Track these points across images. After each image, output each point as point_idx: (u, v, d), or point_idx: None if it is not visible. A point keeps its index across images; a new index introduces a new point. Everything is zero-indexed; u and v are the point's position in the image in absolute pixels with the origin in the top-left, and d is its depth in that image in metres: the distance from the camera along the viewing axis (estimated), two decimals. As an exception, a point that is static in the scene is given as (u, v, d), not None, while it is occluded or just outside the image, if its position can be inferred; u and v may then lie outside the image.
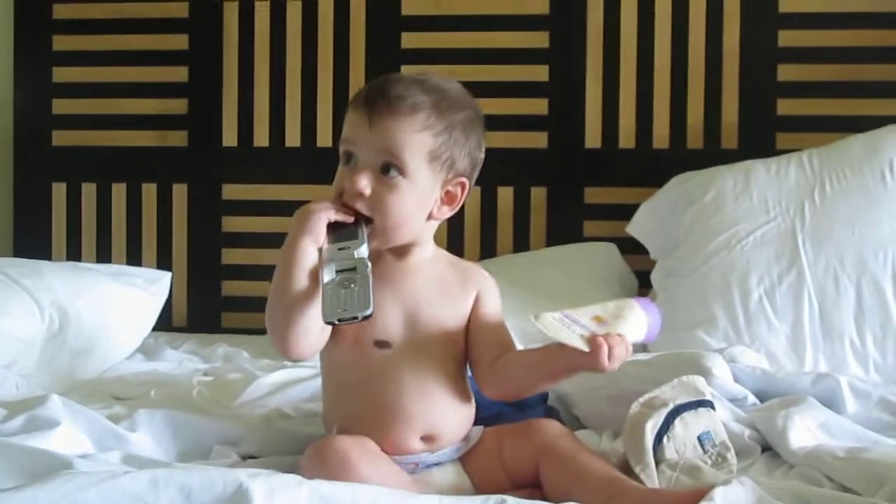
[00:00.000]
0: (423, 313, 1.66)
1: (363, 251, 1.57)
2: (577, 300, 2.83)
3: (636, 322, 1.59)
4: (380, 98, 1.62)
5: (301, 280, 1.58)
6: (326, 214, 1.59)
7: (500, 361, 1.67)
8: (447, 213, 1.70)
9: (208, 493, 1.32)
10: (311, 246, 1.59)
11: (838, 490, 1.54)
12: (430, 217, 1.68)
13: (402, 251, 1.69)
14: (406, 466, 1.61)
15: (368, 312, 1.51)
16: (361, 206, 1.61)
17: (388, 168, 1.61)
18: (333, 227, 1.60)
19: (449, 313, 1.69)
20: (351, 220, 1.60)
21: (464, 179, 1.68)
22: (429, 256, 1.72)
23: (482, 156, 1.72)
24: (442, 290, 1.70)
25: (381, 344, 1.64)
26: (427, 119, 1.62)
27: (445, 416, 1.65)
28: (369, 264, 1.56)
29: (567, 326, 1.56)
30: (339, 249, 1.57)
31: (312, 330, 1.58)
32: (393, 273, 1.67)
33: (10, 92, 3.48)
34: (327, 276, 1.55)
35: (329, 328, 1.59)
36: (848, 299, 2.57)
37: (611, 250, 3.14)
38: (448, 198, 1.68)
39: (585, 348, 1.52)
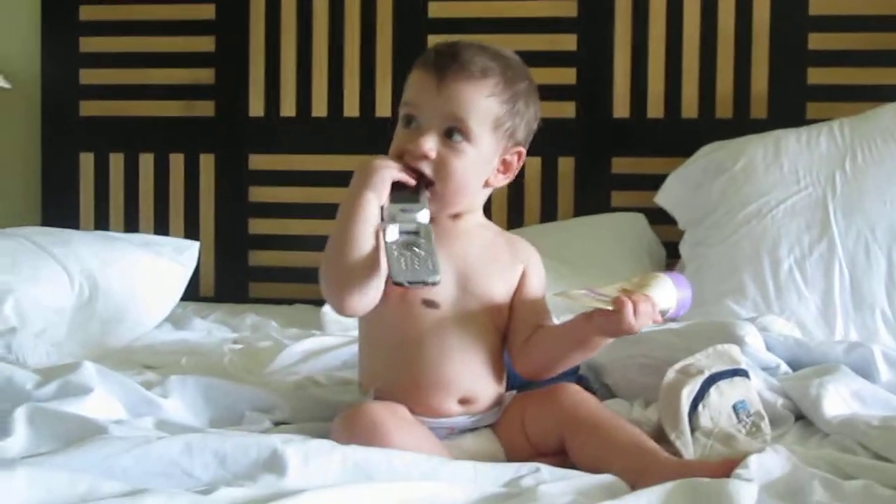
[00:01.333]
0: (474, 278, 1.66)
1: (425, 216, 1.57)
2: (605, 271, 2.86)
3: (664, 291, 1.59)
4: (451, 61, 1.62)
5: (364, 235, 1.56)
6: (391, 172, 1.59)
7: (534, 336, 1.68)
8: (503, 181, 1.72)
9: (243, 459, 1.33)
10: (375, 202, 1.58)
11: (873, 458, 1.53)
12: (486, 184, 1.69)
13: (454, 216, 1.70)
14: (440, 431, 1.62)
15: (438, 279, 1.52)
16: (426, 168, 1.62)
17: (453, 132, 1.62)
18: (394, 188, 1.59)
19: (498, 282, 1.69)
20: (413, 182, 1.60)
21: (521, 149, 1.70)
22: (478, 223, 1.73)
23: (536, 128, 1.73)
24: (492, 257, 1.70)
25: (430, 303, 1.63)
26: (496, 86, 1.63)
27: (483, 380, 1.66)
28: (432, 230, 1.56)
29: (591, 297, 1.56)
30: (401, 210, 1.56)
31: (371, 286, 1.57)
32: (445, 235, 1.66)
33: (37, 63, 3.49)
34: (391, 235, 1.54)
35: (382, 287, 1.58)
36: (879, 269, 2.56)
37: (639, 220, 3.13)
38: (504, 166, 1.70)
39: (610, 307, 1.53)
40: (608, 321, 1.55)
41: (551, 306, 2.44)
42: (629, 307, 1.52)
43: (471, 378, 1.64)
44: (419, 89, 1.64)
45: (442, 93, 1.61)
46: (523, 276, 1.72)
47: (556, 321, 1.76)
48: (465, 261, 1.66)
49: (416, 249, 1.53)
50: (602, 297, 1.55)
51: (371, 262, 1.56)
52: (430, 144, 1.61)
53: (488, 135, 1.64)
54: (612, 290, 1.57)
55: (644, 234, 3.11)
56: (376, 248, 1.56)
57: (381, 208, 1.58)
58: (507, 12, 3.28)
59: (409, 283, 1.51)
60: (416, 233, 1.55)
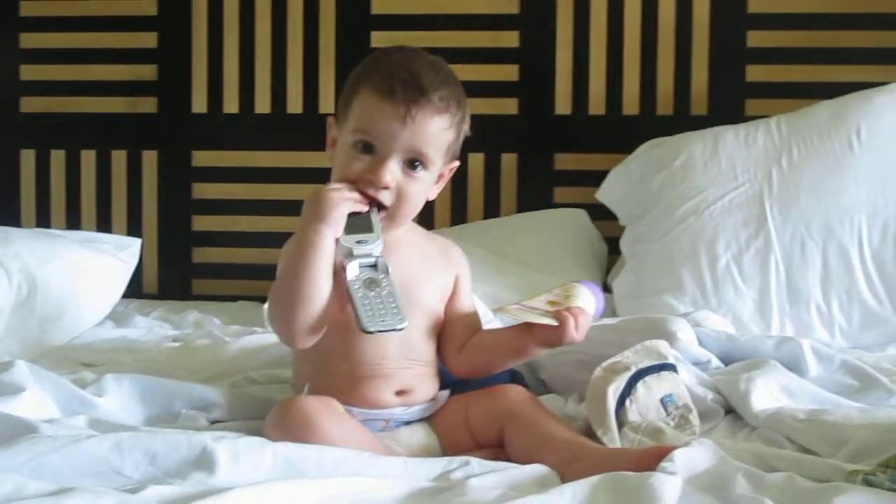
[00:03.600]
0: (413, 288, 1.69)
1: (380, 246, 1.58)
2: (548, 266, 2.88)
3: (586, 302, 1.65)
4: (419, 94, 1.62)
5: (322, 274, 1.57)
6: (347, 205, 1.59)
7: (469, 344, 1.73)
8: (436, 192, 1.75)
9: (173, 457, 1.33)
10: (331, 237, 1.58)
11: (799, 451, 1.56)
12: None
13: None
14: (376, 424, 1.63)
15: (405, 324, 1.54)
16: (385, 198, 1.63)
17: (415, 163, 1.64)
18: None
19: (435, 290, 1.74)
20: (366, 209, 1.60)
21: (457, 163, 1.74)
22: (406, 229, 1.75)
23: None
24: (429, 267, 1.75)
25: None
26: (453, 116, 1.66)
27: (421, 374, 1.69)
28: (387, 264, 1.57)
29: (530, 311, 1.63)
30: (357, 242, 1.57)
31: (323, 320, 1.59)
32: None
33: (-23, 58, 3.46)
34: (351, 272, 1.55)
35: (328, 316, 1.59)
36: (814, 265, 2.59)
37: (581, 216, 3.15)
38: (439, 178, 1.73)
39: (554, 322, 1.59)
40: (551, 335, 1.61)
41: (494, 297, 2.48)
42: (571, 322, 1.58)
43: (410, 374, 1.67)
44: (382, 120, 1.62)
45: (409, 126, 1.61)
46: (456, 283, 1.77)
47: (487, 312, 1.78)
48: (404, 272, 1.67)
49: (378, 289, 1.54)
50: (543, 312, 1.61)
51: (325, 297, 1.58)
52: (390, 176, 1.62)
53: (440, 160, 1.68)
54: (541, 302, 1.65)
55: (586, 230, 3.14)
56: (331, 285, 1.58)
57: (336, 240, 1.59)
58: (450, 9, 3.29)
59: (379, 331, 1.53)
60: (374, 266, 1.57)
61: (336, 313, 1.63)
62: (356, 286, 1.54)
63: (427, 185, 1.68)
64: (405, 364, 1.67)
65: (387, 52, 1.72)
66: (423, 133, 1.62)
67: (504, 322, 1.66)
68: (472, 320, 1.78)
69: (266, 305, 1.69)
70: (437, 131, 1.64)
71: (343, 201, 1.59)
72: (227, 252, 3.38)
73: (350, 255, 1.56)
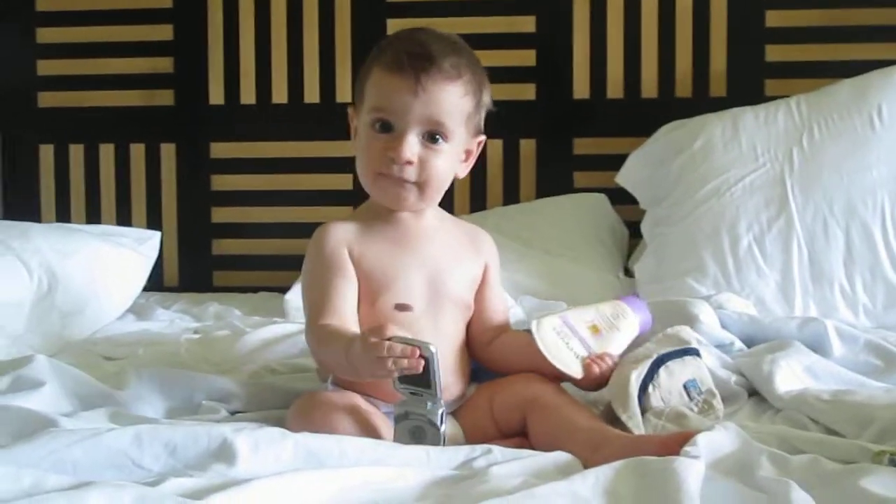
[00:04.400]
0: (443, 279, 1.68)
1: (437, 413, 1.50)
2: (569, 251, 2.87)
3: (629, 330, 1.69)
4: (426, 63, 1.60)
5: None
6: (397, 370, 1.45)
7: (497, 345, 1.73)
8: (465, 170, 1.73)
9: (193, 448, 1.32)
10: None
11: (824, 433, 1.55)
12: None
13: (417, 210, 1.71)
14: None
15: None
16: (411, 174, 1.61)
17: (435, 135, 1.62)
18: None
19: (465, 280, 1.72)
20: (420, 368, 1.45)
21: (483, 137, 1.72)
22: (436, 215, 1.74)
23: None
24: (458, 255, 1.73)
25: (403, 307, 1.65)
26: (468, 83, 1.64)
27: (452, 374, 1.67)
28: (442, 426, 1.50)
29: (564, 340, 1.65)
30: (411, 394, 1.50)
31: None
32: (411, 235, 1.69)
33: (-7, 54, 3.47)
34: (398, 415, 1.51)
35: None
36: (837, 244, 2.57)
37: (601, 201, 3.14)
38: (467, 155, 1.71)
39: (578, 377, 1.63)
40: (574, 380, 1.64)
41: (514, 283, 2.47)
42: (596, 376, 1.63)
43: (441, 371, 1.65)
44: (394, 94, 1.61)
45: (421, 97, 1.59)
46: (486, 272, 1.75)
47: (510, 301, 1.75)
48: (434, 263, 1.68)
49: (423, 440, 1.49)
50: (573, 346, 1.65)
51: None
52: (412, 150, 1.60)
53: (461, 131, 1.65)
54: (583, 324, 1.68)
55: (606, 214, 3.12)
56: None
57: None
58: (467, -5, 3.28)
59: None
60: (426, 423, 1.51)
61: (364, 310, 1.62)
62: (400, 431, 1.51)
63: (452, 160, 1.65)
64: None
65: (397, 34, 1.71)
66: (436, 102, 1.60)
67: (536, 339, 1.64)
68: (501, 311, 1.77)
69: (305, 330, 1.67)
70: (452, 99, 1.61)
71: (394, 373, 1.46)
72: (247, 243, 3.38)
73: (401, 405, 1.51)
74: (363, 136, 1.66)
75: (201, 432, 1.35)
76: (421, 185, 1.63)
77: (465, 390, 1.71)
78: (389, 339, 1.44)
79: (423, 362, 1.44)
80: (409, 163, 1.60)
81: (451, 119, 1.62)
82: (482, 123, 1.71)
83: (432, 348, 1.46)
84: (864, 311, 2.52)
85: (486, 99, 1.69)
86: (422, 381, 1.48)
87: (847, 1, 3.14)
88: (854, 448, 1.40)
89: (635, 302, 1.73)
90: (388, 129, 1.62)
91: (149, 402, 1.72)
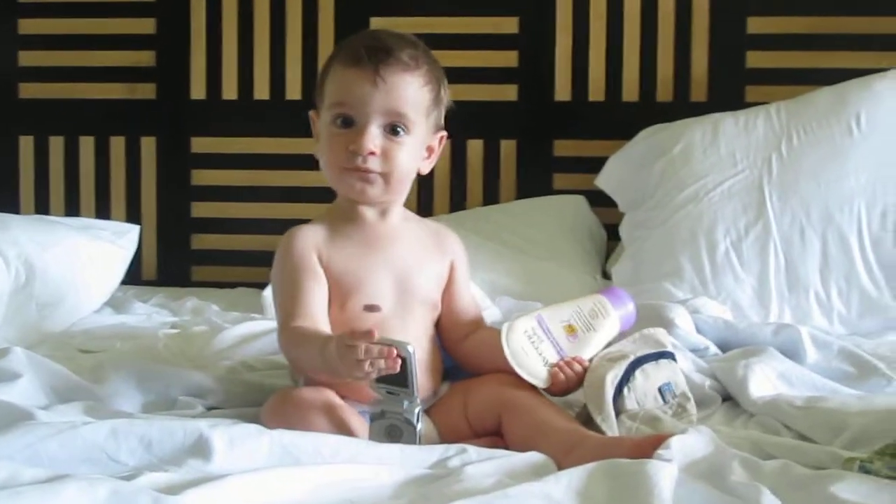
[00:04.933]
0: (411, 279, 1.70)
1: (414, 412, 1.50)
2: (547, 253, 2.87)
3: (608, 330, 1.70)
4: (384, 54, 1.62)
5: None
6: (375, 371, 1.46)
7: (470, 342, 1.75)
8: (428, 167, 1.75)
9: (168, 443, 1.33)
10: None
11: (796, 438, 1.56)
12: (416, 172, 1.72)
13: (383, 209, 1.72)
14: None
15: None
16: (375, 165, 1.62)
17: (395, 127, 1.63)
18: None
19: (432, 279, 1.74)
20: (398, 368, 1.46)
21: (444, 133, 1.73)
22: (402, 215, 1.76)
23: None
24: (425, 255, 1.74)
25: (371, 308, 1.67)
26: (427, 74, 1.66)
27: (422, 372, 1.66)
28: (418, 425, 1.51)
29: (535, 344, 1.66)
30: (388, 393, 1.50)
31: None
32: (378, 236, 1.71)
33: (-26, 44, 3.45)
34: (374, 413, 1.52)
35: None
36: (813, 251, 2.58)
37: (580, 203, 3.15)
38: (429, 151, 1.73)
39: (543, 385, 1.64)
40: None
41: (492, 283, 2.48)
42: (561, 384, 1.63)
43: None
44: (353, 86, 1.63)
45: (381, 87, 1.61)
46: (452, 270, 1.77)
47: (487, 302, 1.76)
48: (401, 263, 1.70)
49: (400, 437, 1.50)
50: (543, 351, 1.65)
51: None
52: (374, 142, 1.62)
53: (423, 123, 1.67)
54: (560, 323, 1.68)
55: (585, 217, 3.13)
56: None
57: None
58: (450, -6, 3.29)
59: None
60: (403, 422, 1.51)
61: (334, 312, 1.64)
62: (376, 430, 1.51)
63: (414, 153, 1.67)
64: None
65: (353, 35, 1.72)
66: (396, 92, 1.62)
67: (504, 345, 1.65)
68: (472, 309, 1.79)
69: (277, 333, 1.69)
70: (412, 90, 1.63)
71: (371, 375, 1.46)
72: (226, 238, 3.37)
73: (377, 404, 1.52)
74: (325, 134, 1.68)
75: (177, 427, 1.35)
76: (385, 177, 1.65)
77: (438, 388, 1.72)
78: (367, 341, 1.44)
79: (399, 362, 1.45)
80: (373, 153, 1.62)
81: (411, 110, 1.64)
82: (442, 120, 1.73)
83: (410, 348, 1.47)
84: (838, 318, 2.53)
85: (445, 95, 1.71)
86: (398, 380, 1.49)
87: (828, 9, 3.16)
88: (825, 454, 1.42)
89: (618, 295, 1.73)
90: (350, 123, 1.64)
91: (125, 396, 1.72)
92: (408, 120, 1.64)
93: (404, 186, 1.69)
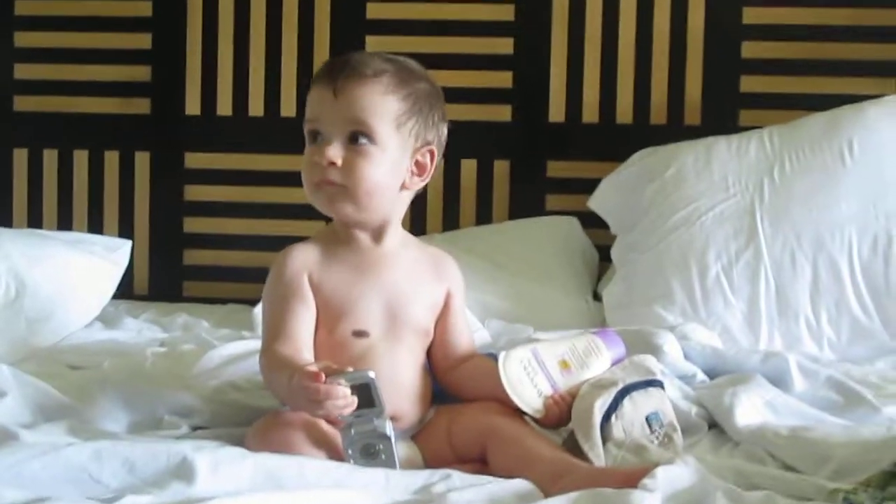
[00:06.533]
0: (402, 305, 1.69)
1: (385, 425, 1.52)
2: (539, 274, 2.88)
3: (600, 369, 1.70)
4: (343, 67, 1.64)
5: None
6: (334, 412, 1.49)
7: (460, 371, 1.74)
8: (419, 183, 1.73)
9: (152, 466, 1.33)
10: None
11: (781, 468, 1.56)
12: (402, 187, 1.70)
13: (376, 233, 1.71)
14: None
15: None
16: (335, 176, 1.62)
17: (357, 136, 1.63)
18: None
19: (425, 306, 1.73)
20: (354, 405, 1.49)
21: (432, 148, 1.71)
22: (399, 240, 1.74)
23: (446, 130, 1.75)
24: (418, 281, 1.73)
25: (360, 333, 1.66)
26: (390, 84, 1.65)
27: (409, 401, 1.67)
28: (392, 436, 1.52)
29: (530, 375, 1.66)
30: (356, 416, 1.51)
31: None
32: (371, 261, 1.70)
33: (-29, 56, 3.46)
34: (347, 443, 1.52)
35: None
36: (804, 277, 2.58)
37: (573, 224, 3.15)
38: (419, 168, 1.71)
39: (538, 415, 1.64)
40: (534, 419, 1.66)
41: (484, 304, 2.48)
42: (554, 418, 1.64)
43: (398, 398, 1.64)
44: (317, 102, 1.66)
45: (339, 99, 1.63)
46: (448, 297, 1.76)
47: (477, 324, 1.75)
48: (394, 289, 1.69)
49: (377, 456, 1.51)
50: (538, 383, 1.65)
51: None
52: (333, 152, 1.62)
53: (393, 134, 1.65)
54: (554, 358, 1.68)
55: (577, 238, 3.13)
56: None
57: None
58: (445, 14, 3.28)
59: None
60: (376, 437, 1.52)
61: (322, 336, 1.64)
62: (351, 452, 1.51)
63: (384, 165, 1.64)
64: (394, 386, 1.62)
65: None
66: (354, 101, 1.62)
67: (501, 373, 1.65)
68: (465, 338, 1.78)
69: (259, 352, 1.69)
70: (370, 98, 1.63)
71: (324, 410, 1.49)
72: (219, 254, 3.37)
73: (348, 429, 1.51)
74: (305, 151, 1.69)
75: (161, 450, 1.35)
76: (350, 190, 1.64)
77: (425, 415, 1.71)
78: (325, 380, 1.47)
79: (355, 401, 1.48)
80: (332, 163, 1.62)
81: (371, 118, 1.63)
82: (431, 135, 1.71)
83: (370, 374, 1.50)
84: (828, 345, 2.53)
85: (429, 109, 1.69)
86: (363, 402, 1.50)
87: (823, 35, 3.16)
88: (810, 485, 1.42)
89: (611, 337, 1.74)
90: (319, 137, 1.66)
91: (112, 415, 1.72)
92: (368, 128, 1.63)
93: (376, 202, 1.66)
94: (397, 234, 1.74)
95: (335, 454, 1.52)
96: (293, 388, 1.49)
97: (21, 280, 2.42)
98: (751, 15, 3.18)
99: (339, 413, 1.48)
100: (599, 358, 1.71)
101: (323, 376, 1.47)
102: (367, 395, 1.49)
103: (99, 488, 1.30)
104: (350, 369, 1.51)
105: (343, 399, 1.47)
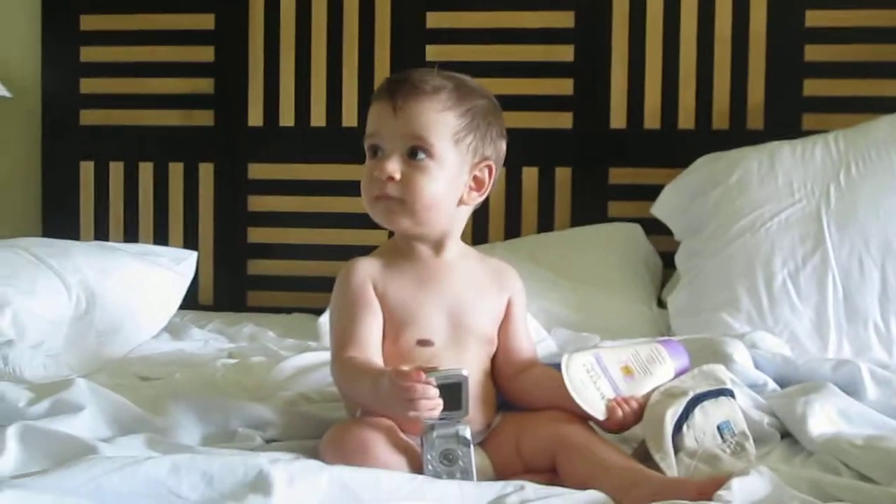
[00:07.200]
0: (465, 314, 1.71)
1: (467, 430, 1.53)
2: (602, 281, 2.87)
3: (662, 377, 1.70)
4: (402, 83, 1.67)
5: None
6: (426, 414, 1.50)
7: (522, 378, 1.75)
8: (476, 198, 1.74)
9: (229, 479, 1.33)
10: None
11: (856, 478, 1.54)
12: (460, 202, 1.72)
13: (437, 245, 1.74)
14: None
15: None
16: (394, 191, 1.64)
17: (416, 151, 1.65)
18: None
19: (487, 315, 1.75)
20: (440, 409, 1.50)
21: (490, 163, 1.73)
22: (460, 252, 1.77)
23: (504, 145, 1.77)
24: (480, 290, 1.75)
25: (424, 342, 1.68)
26: (448, 100, 1.67)
27: (477, 406, 1.67)
28: (471, 442, 1.53)
29: (593, 379, 1.66)
30: (440, 419, 1.52)
31: None
32: (432, 272, 1.72)
33: (38, 72, 3.51)
34: (427, 447, 1.52)
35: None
36: (872, 282, 2.56)
37: (635, 231, 3.14)
38: (476, 183, 1.73)
39: (601, 418, 1.64)
40: (595, 421, 1.65)
41: (547, 311, 2.47)
42: (618, 421, 1.63)
43: None
44: (377, 118, 1.68)
45: (399, 115, 1.65)
46: (509, 306, 1.78)
47: (542, 332, 1.74)
48: (455, 298, 1.71)
49: (454, 466, 1.51)
50: (601, 387, 1.65)
51: None
52: (392, 166, 1.64)
53: (451, 149, 1.67)
54: (617, 364, 1.69)
55: (640, 245, 3.12)
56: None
57: None
58: (505, 23, 3.29)
59: None
60: (455, 438, 1.53)
61: (387, 346, 1.65)
62: (430, 458, 1.52)
63: (442, 180, 1.66)
64: None
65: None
66: (414, 117, 1.65)
67: (565, 375, 1.65)
68: (527, 346, 1.79)
69: (330, 362, 1.71)
70: (429, 114, 1.65)
71: (427, 412, 1.49)
72: (282, 264, 3.40)
73: (430, 432, 1.52)
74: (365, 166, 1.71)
75: (238, 463, 1.36)
76: (408, 204, 1.66)
77: (492, 420, 1.72)
78: (421, 378, 1.48)
79: (441, 402, 1.48)
80: (391, 178, 1.64)
81: (429, 133, 1.65)
82: (489, 151, 1.72)
83: (464, 372, 1.52)
84: (898, 351, 2.51)
85: (487, 125, 1.71)
86: (450, 405, 1.51)
87: (886, 37, 3.14)
88: (887, 496, 1.40)
89: (675, 347, 1.74)
90: (378, 152, 1.68)
91: (186, 427, 1.73)
92: (427, 143, 1.65)
93: (434, 216, 1.69)
94: (457, 247, 1.76)
95: (412, 459, 1.53)
96: (383, 389, 1.50)
97: (91, 293, 2.46)
98: (813, 18, 3.16)
99: (429, 415, 1.49)
100: (662, 366, 1.70)
101: (422, 374, 1.48)
102: (453, 395, 1.51)
103: (178, 501, 1.31)
104: (441, 368, 1.52)
105: (434, 400, 1.48)
